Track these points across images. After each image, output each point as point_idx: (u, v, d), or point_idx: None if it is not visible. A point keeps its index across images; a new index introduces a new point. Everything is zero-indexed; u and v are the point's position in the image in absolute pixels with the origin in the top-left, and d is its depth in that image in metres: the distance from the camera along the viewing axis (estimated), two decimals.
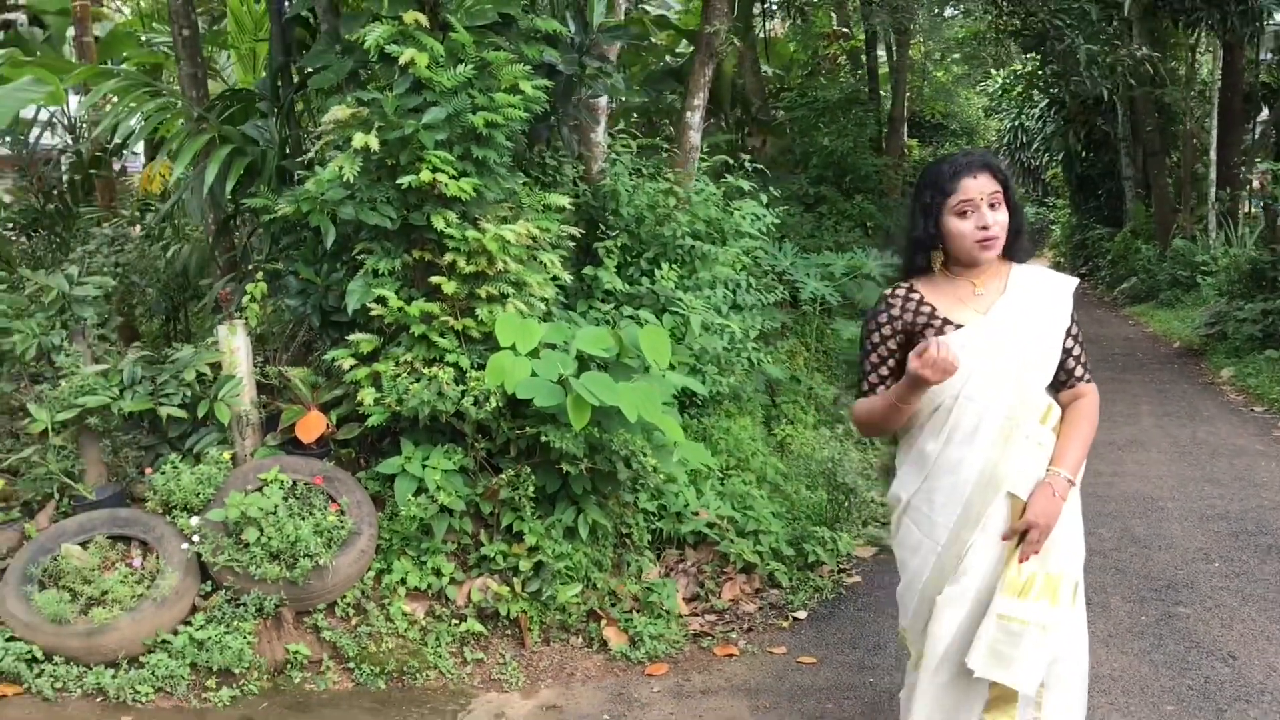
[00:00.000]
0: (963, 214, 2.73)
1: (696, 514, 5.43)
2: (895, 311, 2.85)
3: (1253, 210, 18.22)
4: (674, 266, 6.31)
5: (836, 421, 8.05)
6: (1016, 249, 2.85)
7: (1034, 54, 13.01)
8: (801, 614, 5.02)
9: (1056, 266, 26.04)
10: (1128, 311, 16.27)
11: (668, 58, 14.10)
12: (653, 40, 12.94)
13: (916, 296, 2.84)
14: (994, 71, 24.30)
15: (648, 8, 14.18)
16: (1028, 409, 2.77)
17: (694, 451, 5.11)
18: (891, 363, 2.87)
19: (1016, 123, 25.99)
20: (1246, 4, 9.27)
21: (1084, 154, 21.73)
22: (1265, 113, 19.26)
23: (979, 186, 2.72)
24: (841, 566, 5.54)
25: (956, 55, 20.95)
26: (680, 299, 6.03)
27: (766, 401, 7.70)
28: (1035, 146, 25.07)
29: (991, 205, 2.73)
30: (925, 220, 2.79)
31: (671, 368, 5.71)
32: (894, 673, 4.35)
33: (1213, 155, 15.69)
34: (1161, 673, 4.19)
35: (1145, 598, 4.95)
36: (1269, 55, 18.54)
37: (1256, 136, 19.19)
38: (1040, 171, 26.71)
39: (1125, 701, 3.98)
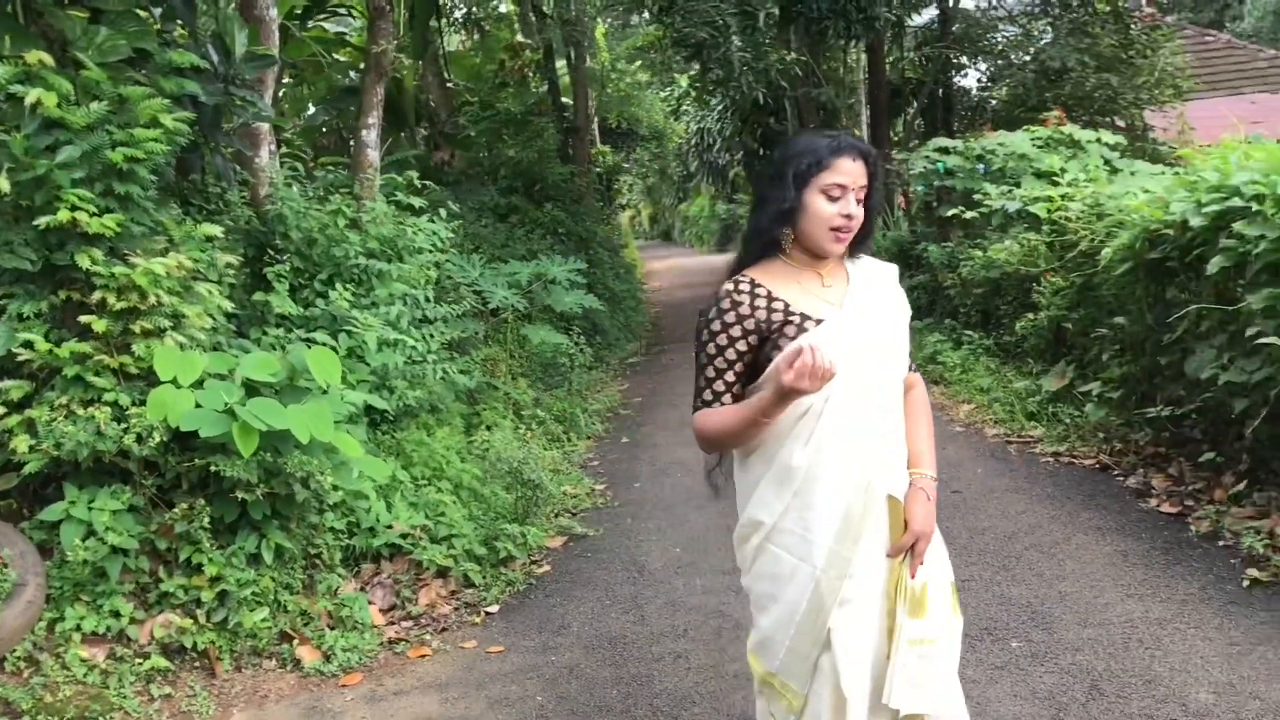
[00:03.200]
0: (831, 196, 2.47)
1: (390, 527, 5.58)
2: (744, 309, 2.50)
3: (914, 193, 20.07)
4: (349, 287, 6.42)
5: (535, 422, 8.39)
6: (862, 246, 2.66)
7: (695, 61, 13.86)
8: (494, 608, 5.27)
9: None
10: None
11: (351, 74, 14.07)
12: (327, 58, 12.84)
13: (764, 291, 2.52)
14: (678, 77, 25.52)
15: (326, 25, 14.07)
16: (894, 403, 2.59)
17: (373, 466, 5.26)
18: (740, 367, 2.54)
19: (701, 125, 27.36)
20: (866, 13, 10.36)
21: (761, 152, 23.19)
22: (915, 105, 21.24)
23: (854, 173, 2.48)
24: (533, 559, 5.84)
25: (637, 63, 21.84)
26: (355, 318, 6.15)
27: (466, 410, 7.93)
28: (718, 147, 26.50)
29: (858, 200, 2.50)
30: (794, 190, 2.48)
31: (351, 386, 5.85)
32: (573, 649, 4.69)
33: None
34: None
35: None
36: (911, 53, 20.44)
37: (912, 127, 21.12)
38: (725, 170, 28.25)
39: None
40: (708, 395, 2.56)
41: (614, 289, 14.72)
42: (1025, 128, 10.83)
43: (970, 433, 7.67)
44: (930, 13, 18.70)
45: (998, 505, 6.03)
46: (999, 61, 19.28)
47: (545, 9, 15.80)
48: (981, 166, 10.46)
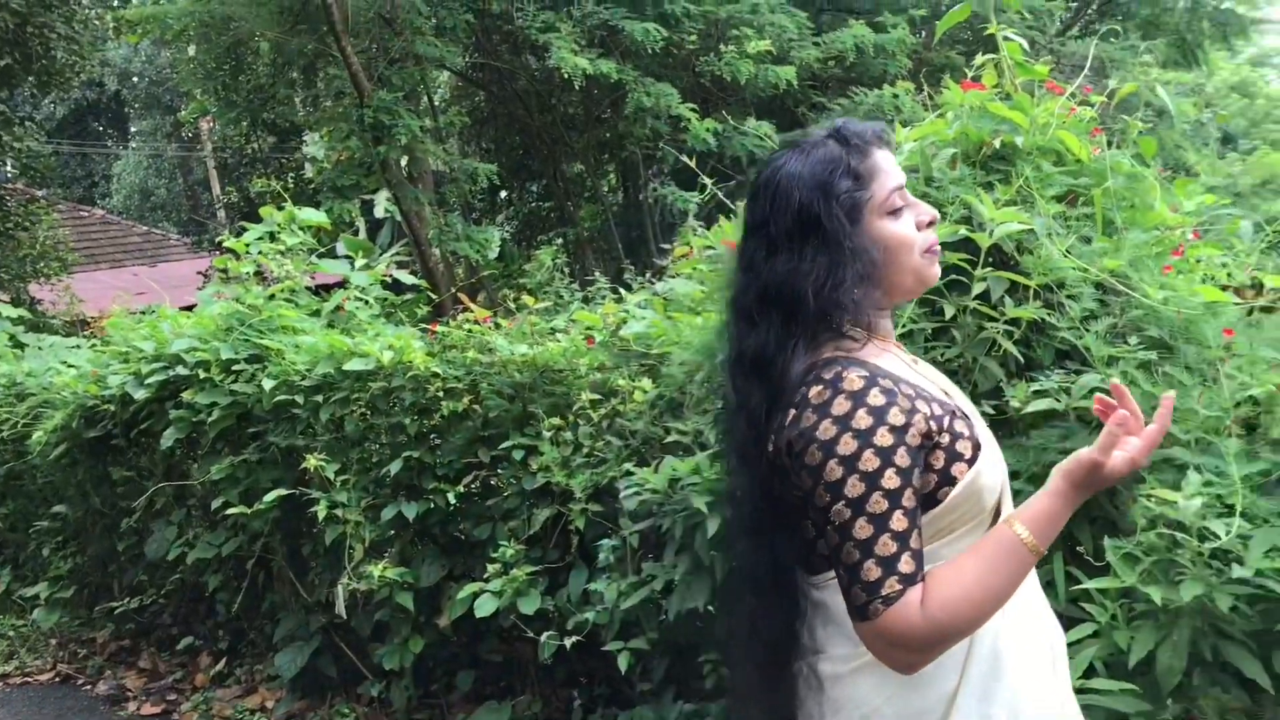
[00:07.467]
0: (896, 212, 1.53)
1: None
2: (907, 405, 1.45)
3: None
4: None
5: None
6: None
7: None
8: None
9: None
10: None
11: None
12: None
13: (895, 376, 1.52)
14: None
15: None
16: None
17: None
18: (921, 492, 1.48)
19: None
20: None
21: None
22: None
23: (896, 164, 1.58)
24: None
25: None
26: None
27: None
28: None
29: None
30: (849, 226, 1.50)
31: None
32: None
33: None
34: None
35: None
36: None
37: None
38: None
39: None
40: (906, 564, 1.40)
41: None
42: None
43: None
44: None
45: None
46: None
47: None
48: None
